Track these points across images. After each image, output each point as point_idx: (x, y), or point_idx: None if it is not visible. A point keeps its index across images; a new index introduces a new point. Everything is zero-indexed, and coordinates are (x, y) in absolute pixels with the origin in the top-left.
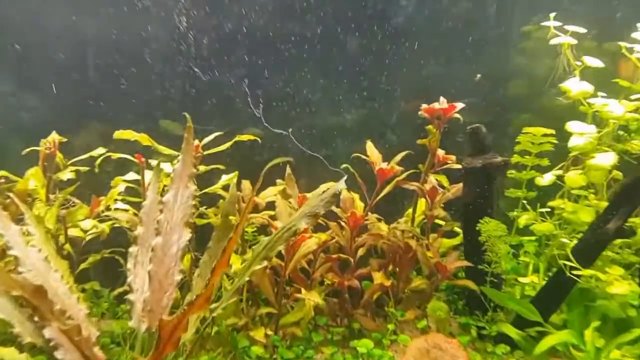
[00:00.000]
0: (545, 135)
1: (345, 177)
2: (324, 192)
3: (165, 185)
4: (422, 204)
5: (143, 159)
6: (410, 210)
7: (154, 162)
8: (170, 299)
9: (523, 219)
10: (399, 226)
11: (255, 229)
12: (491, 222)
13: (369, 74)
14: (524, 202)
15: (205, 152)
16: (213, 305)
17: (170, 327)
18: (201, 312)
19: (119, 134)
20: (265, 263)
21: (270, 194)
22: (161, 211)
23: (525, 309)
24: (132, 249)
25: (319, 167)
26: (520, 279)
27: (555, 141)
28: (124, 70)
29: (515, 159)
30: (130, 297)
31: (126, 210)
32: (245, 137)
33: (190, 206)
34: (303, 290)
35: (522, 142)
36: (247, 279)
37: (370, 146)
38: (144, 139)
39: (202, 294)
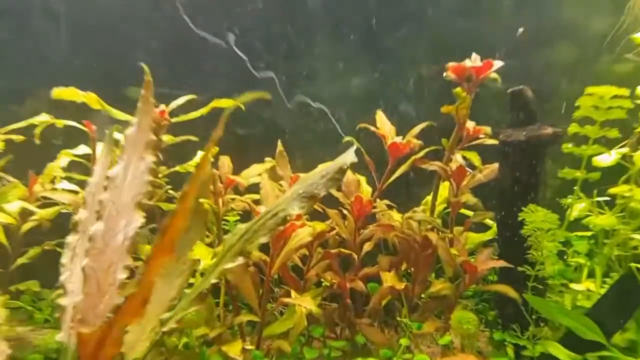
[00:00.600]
0: (615, 97)
1: (354, 147)
2: (325, 168)
3: None
4: (445, 188)
5: (94, 127)
6: (429, 197)
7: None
8: (109, 304)
9: (575, 210)
10: (415, 216)
11: (238, 217)
12: (539, 211)
13: (379, 28)
14: (575, 187)
15: (175, 120)
16: (165, 315)
17: (92, 343)
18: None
19: (59, 93)
20: (239, 260)
21: (254, 172)
22: (106, 189)
23: (581, 324)
24: (71, 238)
25: (317, 142)
26: (573, 286)
27: (631, 105)
28: (82, 25)
29: (573, 128)
30: (62, 301)
31: (74, 192)
32: (225, 103)
33: (146, 183)
34: (294, 294)
35: (582, 106)
36: (214, 280)
37: (380, 116)
38: (91, 99)
39: (133, 295)
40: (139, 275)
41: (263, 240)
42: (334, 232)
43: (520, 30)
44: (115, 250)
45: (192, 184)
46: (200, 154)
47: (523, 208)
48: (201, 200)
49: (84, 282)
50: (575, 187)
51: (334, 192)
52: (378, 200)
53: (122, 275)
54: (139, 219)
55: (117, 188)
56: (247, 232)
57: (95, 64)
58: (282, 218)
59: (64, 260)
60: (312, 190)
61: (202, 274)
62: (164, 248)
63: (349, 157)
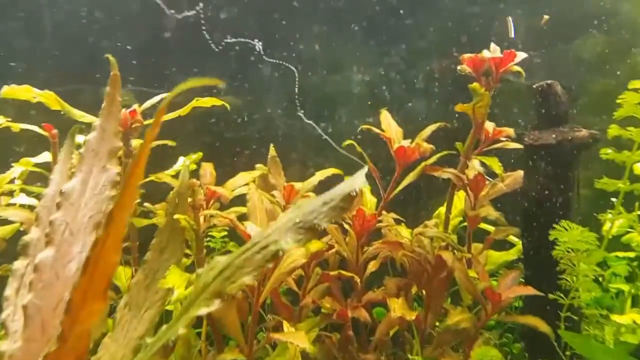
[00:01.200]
0: None
1: (365, 169)
2: (328, 193)
3: None
4: (460, 199)
5: (55, 131)
6: (442, 209)
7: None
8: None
9: (611, 226)
10: (426, 231)
11: (225, 232)
12: (573, 229)
13: (384, 15)
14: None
15: (149, 122)
16: None
17: None
18: None
19: (9, 92)
20: (216, 304)
21: (241, 182)
22: (59, 207)
23: None
24: (18, 264)
25: (315, 147)
26: (615, 318)
27: None
28: (52, 19)
29: (613, 130)
30: (2, 345)
31: (32, 207)
32: (207, 102)
33: (108, 199)
34: (286, 326)
35: (625, 104)
36: (181, 331)
37: (386, 117)
38: (49, 99)
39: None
40: (61, 330)
41: (248, 280)
42: (333, 250)
43: (545, 18)
44: (67, 283)
45: (124, 194)
46: (182, 160)
47: (554, 225)
48: (177, 215)
49: (24, 325)
50: (614, 199)
51: None
52: (384, 212)
53: None
54: None
55: (72, 206)
56: (228, 268)
57: (65, 59)
58: (272, 253)
59: (7, 292)
60: (312, 220)
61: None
62: (91, 292)
63: (358, 181)
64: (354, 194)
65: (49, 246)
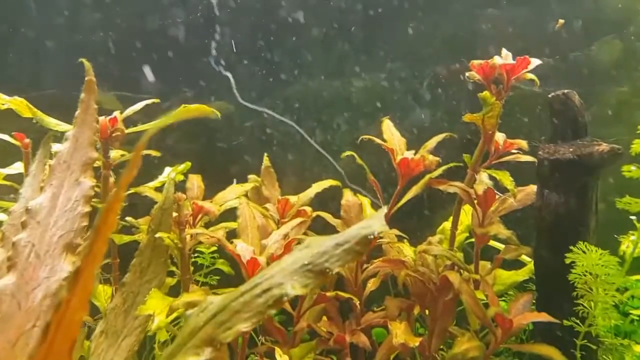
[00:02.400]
0: None
1: (384, 211)
2: (343, 234)
3: None
4: (467, 213)
5: (28, 141)
6: (447, 223)
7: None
8: None
9: (634, 249)
10: (430, 249)
11: (215, 247)
12: (592, 251)
13: (386, 19)
14: (632, 217)
15: (130, 130)
16: None
17: None
18: None
19: None
20: (206, 354)
21: (232, 195)
22: (24, 226)
23: None
24: None
25: (312, 157)
26: (638, 348)
27: None
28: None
29: (637, 147)
30: None
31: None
32: (195, 110)
33: (81, 216)
34: (279, 353)
35: None
36: None
37: (388, 126)
38: (19, 106)
39: None
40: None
41: (246, 327)
42: None
43: (560, 22)
44: (30, 314)
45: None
46: (167, 170)
47: (569, 246)
48: (160, 234)
49: None
50: (633, 219)
51: (331, 220)
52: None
53: None
54: (67, 266)
55: (39, 225)
56: (223, 311)
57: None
58: (275, 298)
59: None
60: (323, 262)
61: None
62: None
63: (376, 223)
64: (371, 237)
65: (11, 271)
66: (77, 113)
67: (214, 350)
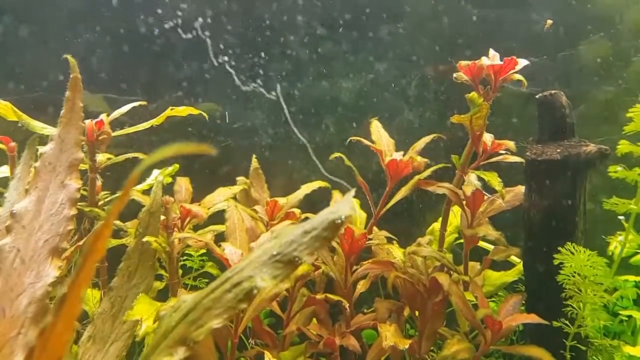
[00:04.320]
0: None
1: (351, 193)
2: (310, 221)
3: None
4: (456, 214)
5: (13, 144)
6: (436, 224)
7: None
8: None
9: (622, 250)
10: (420, 251)
11: (204, 250)
12: (580, 252)
13: (374, 19)
14: (621, 218)
15: (117, 133)
16: None
17: None
18: None
19: None
20: (180, 353)
21: (220, 198)
22: (9, 230)
23: None
24: None
25: (301, 158)
26: (627, 349)
27: None
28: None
29: (622, 147)
30: None
31: None
32: (183, 111)
33: (67, 220)
34: (267, 356)
35: (636, 118)
36: None
37: (376, 127)
38: (5, 109)
39: None
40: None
41: (217, 323)
42: (319, 271)
43: (549, 23)
44: (15, 321)
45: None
46: (156, 173)
47: (558, 246)
48: (147, 238)
49: None
50: (621, 219)
51: None
52: (374, 228)
53: (23, 357)
54: (53, 271)
55: (24, 229)
56: (194, 310)
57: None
58: (245, 291)
59: None
60: (291, 252)
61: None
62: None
63: (343, 208)
64: (339, 221)
65: None
66: (62, 112)
67: (187, 349)
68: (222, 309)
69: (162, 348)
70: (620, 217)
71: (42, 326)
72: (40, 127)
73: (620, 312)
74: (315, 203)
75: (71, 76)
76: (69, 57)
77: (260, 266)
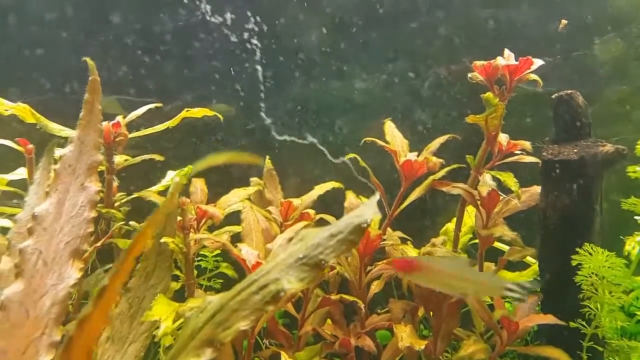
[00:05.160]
0: None
1: (376, 197)
2: (336, 225)
3: None
4: (470, 215)
5: (31, 146)
6: (450, 224)
7: None
8: None
9: (633, 247)
10: (434, 251)
11: (218, 251)
12: (599, 253)
13: (388, 19)
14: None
15: (134, 135)
16: None
17: None
18: None
19: None
20: (207, 354)
21: (235, 199)
22: (31, 233)
23: None
24: None
25: (314, 158)
26: None
27: None
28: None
29: None
30: None
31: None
32: (198, 113)
33: (87, 222)
34: (284, 356)
35: None
36: None
37: (390, 128)
38: (23, 112)
39: None
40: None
41: (244, 325)
42: (334, 271)
43: (563, 23)
44: (39, 322)
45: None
46: (171, 174)
47: (575, 247)
48: (164, 239)
49: None
50: (638, 219)
51: (333, 221)
52: (388, 229)
53: (47, 358)
54: (74, 273)
55: (46, 231)
56: (221, 311)
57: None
58: (272, 294)
59: None
60: (317, 255)
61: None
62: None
63: (369, 211)
64: (365, 225)
65: (18, 279)
66: (81, 114)
67: (214, 350)
68: (249, 311)
69: (190, 349)
70: (637, 217)
71: (81, 316)
72: (57, 129)
73: (637, 312)
74: (329, 203)
75: (90, 79)
76: (87, 59)
77: (286, 269)
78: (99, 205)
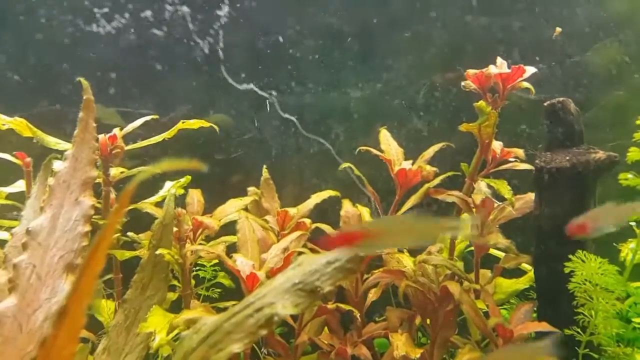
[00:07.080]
0: None
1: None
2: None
3: None
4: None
5: (29, 159)
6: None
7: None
8: None
9: (633, 257)
10: (430, 259)
11: (216, 260)
12: (591, 260)
13: (382, 28)
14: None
15: (130, 147)
16: None
17: None
18: None
19: None
20: None
21: (232, 209)
22: (25, 247)
23: None
24: None
25: (310, 168)
26: None
27: None
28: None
29: (634, 154)
30: None
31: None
32: (194, 124)
33: (81, 236)
34: None
35: None
36: None
37: (385, 136)
38: (20, 126)
39: None
40: None
41: (237, 348)
42: None
43: (557, 30)
44: (32, 336)
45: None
46: (168, 185)
47: (568, 254)
48: (160, 250)
49: None
50: (632, 225)
51: (328, 229)
52: None
53: None
54: (67, 287)
55: (40, 246)
56: (215, 332)
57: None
58: (267, 317)
59: None
60: (313, 282)
61: None
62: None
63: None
64: (363, 255)
65: (12, 293)
66: (76, 132)
67: None
68: (243, 334)
69: None
70: (632, 224)
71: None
72: (54, 142)
73: (633, 319)
74: (326, 211)
75: (84, 98)
76: (81, 79)
77: (282, 293)
78: (96, 217)
